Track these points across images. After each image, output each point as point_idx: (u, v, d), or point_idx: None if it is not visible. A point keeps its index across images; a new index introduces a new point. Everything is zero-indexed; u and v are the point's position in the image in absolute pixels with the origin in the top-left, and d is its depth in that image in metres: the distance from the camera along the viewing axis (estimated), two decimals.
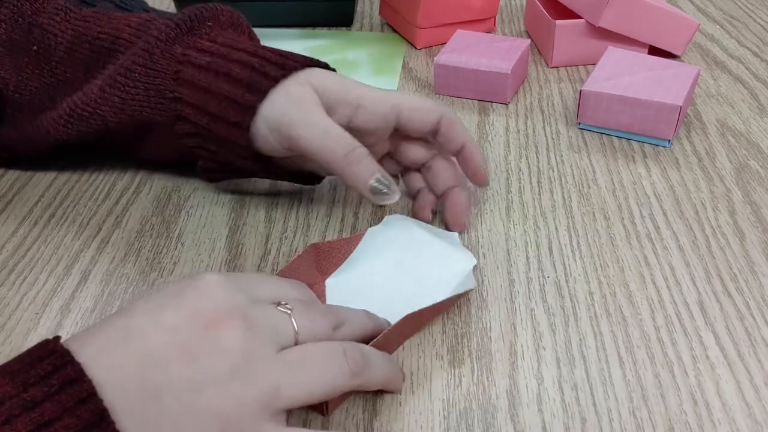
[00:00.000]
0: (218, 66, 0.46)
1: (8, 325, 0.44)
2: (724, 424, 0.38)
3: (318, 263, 0.46)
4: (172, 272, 0.48)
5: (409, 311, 0.40)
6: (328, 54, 0.75)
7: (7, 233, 0.52)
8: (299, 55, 0.48)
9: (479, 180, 0.49)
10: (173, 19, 0.48)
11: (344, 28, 0.82)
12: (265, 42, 0.75)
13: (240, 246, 0.50)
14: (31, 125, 0.52)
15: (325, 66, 0.49)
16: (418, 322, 0.42)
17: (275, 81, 0.44)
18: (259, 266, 0.48)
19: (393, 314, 0.41)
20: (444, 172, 0.50)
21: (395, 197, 0.45)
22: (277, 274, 0.43)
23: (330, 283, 0.45)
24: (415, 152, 0.50)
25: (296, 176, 0.52)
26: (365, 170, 0.44)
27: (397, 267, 0.45)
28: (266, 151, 0.47)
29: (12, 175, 0.58)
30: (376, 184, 0.44)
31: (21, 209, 0.54)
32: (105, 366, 0.30)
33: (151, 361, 0.31)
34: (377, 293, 0.44)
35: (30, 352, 0.30)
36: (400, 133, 0.49)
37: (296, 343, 0.34)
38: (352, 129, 0.46)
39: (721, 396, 0.40)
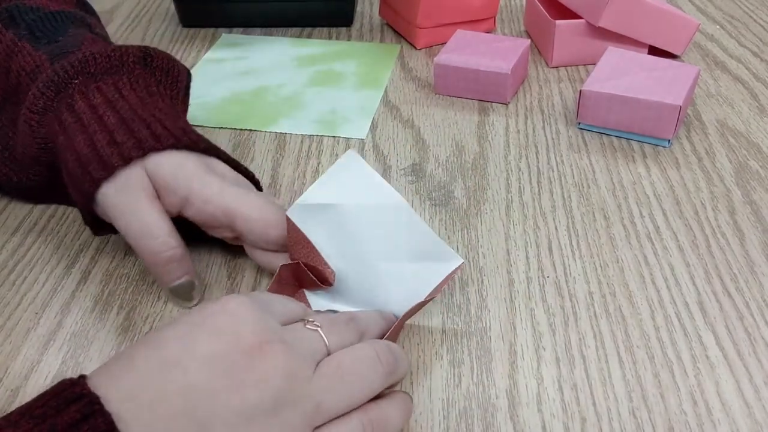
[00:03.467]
0: (65, 150, 0.45)
1: (8, 325, 0.44)
2: (723, 424, 0.38)
3: (298, 278, 0.44)
4: None
5: (394, 306, 0.41)
6: (315, 64, 0.74)
7: (7, 233, 0.52)
8: (139, 137, 0.44)
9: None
10: (41, 85, 0.46)
11: (342, 34, 0.82)
12: (256, 50, 0.77)
13: (238, 247, 0.50)
14: None
15: (180, 145, 0.44)
16: (418, 309, 0.42)
17: (97, 185, 0.43)
18: (258, 266, 0.48)
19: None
20: None
21: (193, 302, 0.45)
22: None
23: (308, 292, 0.45)
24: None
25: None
26: (169, 274, 0.43)
27: (373, 265, 0.43)
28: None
29: None
30: (177, 287, 0.44)
31: (21, 209, 0.54)
32: (144, 404, 0.29)
33: (197, 393, 0.30)
34: (360, 293, 0.43)
35: (56, 393, 0.29)
36: None
37: None
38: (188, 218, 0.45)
39: (721, 396, 0.40)
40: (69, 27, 0.52)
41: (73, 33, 0.51)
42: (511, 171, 0.58)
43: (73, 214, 0.53)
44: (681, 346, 0.43)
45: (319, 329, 0.35)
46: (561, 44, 0.71)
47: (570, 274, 0.48)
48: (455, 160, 0.59)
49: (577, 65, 0.74)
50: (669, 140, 0.60)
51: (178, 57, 0.76)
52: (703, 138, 0.62)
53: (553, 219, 0.52)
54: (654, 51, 0.72)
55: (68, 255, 0.50)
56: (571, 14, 0.72)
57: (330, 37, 0.80)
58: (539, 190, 0.55)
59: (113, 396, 0.29)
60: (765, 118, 0.64)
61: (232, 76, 0.72)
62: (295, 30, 0.82)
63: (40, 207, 0.54)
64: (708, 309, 0.45)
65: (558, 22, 0.70)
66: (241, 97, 0.68)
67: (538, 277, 0.47)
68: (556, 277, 0.47)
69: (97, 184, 0.43)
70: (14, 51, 0.50)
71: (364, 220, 0.42)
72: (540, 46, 0.76)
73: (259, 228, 0.44)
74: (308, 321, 0.35)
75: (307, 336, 0.34)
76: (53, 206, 0.54)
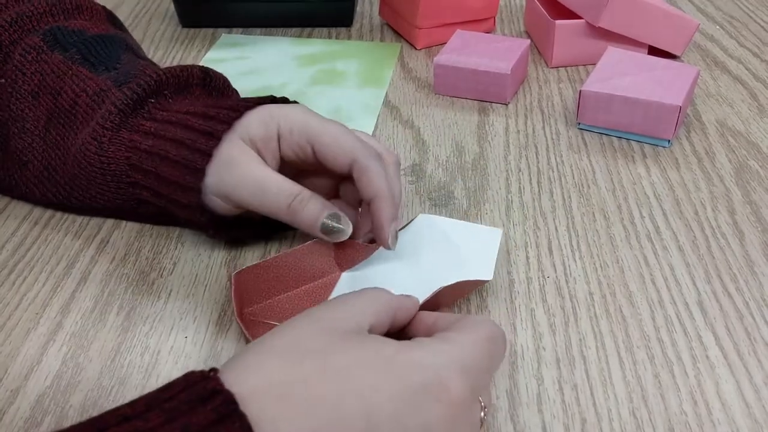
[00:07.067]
0: (159, 148, 0.45)
1: (8, 325, 0.44)
2: (723, 424, 0.38)
3: (336, 254, 0.46)
4: (172, 272, 0.48)
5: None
6: (317, 63, 0.74)
7: (7, 233, 0.52)
8: (229, 106, 0.46)
9: (379, 239, 0.44)
10: (118, 102, 0.47)
11: (342, 34, 0.82)
12: (257, 49, 0.77)
13: (239, 246, 0.50)
14: None
15: (261, 102, 0.47)
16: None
17: (208, 155, 0.44)
18: None
19: None
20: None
21: (348, 231, 0.44)
22: (290, 251, 0.44)
23: (346, 276, 0.46)
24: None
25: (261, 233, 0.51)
26: (310, 214, 0.43)
27: (415, 268, 0.45)
28: (226, 213, 0.46)
29: None
30: (325, 224, 0.43)
31: (21, 209, 0.54)
32: None
33: None
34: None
35: (187, 386, 0.27)
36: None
37: None
38: (286, 162, 0.46)
39: (721, 396, 0.40)
40: (120, 53, 0.53)
41: (126, 59, 0.52)
42: (511, 171, 0.58)
43: (73, 214, 0.53)
44: (681, 346, 0.43)
45: (482, 419, 0.34)
46: (561, 44, 0.71)
47: (570, 274, 0.48)
48: (455, 160, 0.59)
49: (576, 65, 0.74)
50: (669, 140, 0.60)
51: (178, 57, 0.76)
52: (702, 138, 0.62)
53: (553, 219, 0.52)
54: (654, 51, 0.72)
55: (68, 255, 0.50)
56: (570, 14, 0.72)
57: (330, 37, 0.80)
58: (539, 191, 0.55)
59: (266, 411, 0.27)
60: (765, 118, 0.64)
61: (234, 77, 0.71)
62: (295, 30, 0.82)
63: (40, 207, 0.54)
64: (708, 309, 0.45)
65: (558, 22, 0.70)
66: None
67: (538, 278, 0.47)
68: (556, 277, 0.47)
69: (209, 155, 0.44)
70: (66, 73, 0.50)
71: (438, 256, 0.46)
72: (540, 46, 0.76)
73: (333, 153, 0.44)
74: (485, 407, 0.34)
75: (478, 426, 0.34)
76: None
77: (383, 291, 0.37)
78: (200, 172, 0.44)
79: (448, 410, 0.30)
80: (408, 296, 0.38)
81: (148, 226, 0.52)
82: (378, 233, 0.44)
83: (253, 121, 0.45)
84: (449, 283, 0.42)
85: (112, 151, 0.47)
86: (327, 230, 0.44)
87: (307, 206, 0.43)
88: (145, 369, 0.41)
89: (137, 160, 0.46)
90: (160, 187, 0.46)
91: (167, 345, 0.43)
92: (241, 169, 0.43)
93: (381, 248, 0.46)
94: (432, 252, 0.46)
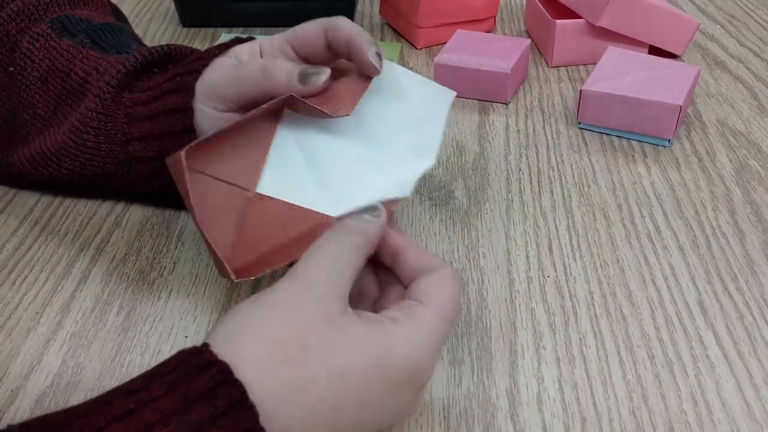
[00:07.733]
0: (155, 93, 0.47)
1: (8, 325, 0.44)
2: (724, 423, 0.38)
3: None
4: (172, 272, 0.48)
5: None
6: None
7: (7, 233, 0.52)
8: (221, 45, 0.49)
9: (363, 65, 0.43)
10: (126, 64, 0.48)
11: None
12: None
13: None
14: None
15: (241, 40, 0.49)
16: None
17: (198, 73, 0.46)
18: None
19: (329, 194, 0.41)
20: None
21: (325, 73, 0.42)
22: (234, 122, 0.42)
23: (285, 133, 0.44)
24: None
25: None
26: (283, 66, 0.42)
27: (361, 134, 0.43)
28: (216, 120, 0.45)
29: None
30: (303, 69, 0.42)
31: (21, 209, 0.54)
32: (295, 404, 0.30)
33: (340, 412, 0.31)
34: (326, 159, 0.43)
35: (182, 361, 0.29)
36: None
37: None
38: None
39: (721, 395, 0.40)
40: (129, 41, 0.53)
41: (136, 47, 0.53)
42: (512, 171, 0.58)
43: (73, 213, 0.53)
44: (681, 345, 0.43)
45: None
46: (561, 44, 0.71)
47: (570, 273, 0.48)
48: (455, 160, 0.59)
49: (577, 65, 0.74)
50: (669, 140, 0.60)
51: None
52: (703, 138, 0.62)
53: (554, 219, 0.52)
54: (654, 51, 0.72)
55: (68, 255, 0.50)
56: (571, 14, 0.72)
57: None
58: (539, 190, 0.55)
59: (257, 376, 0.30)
60: (765, 117, 0.64)
61: None
62: None
63: (41, 206, 0.54)
64: (708, 309, 0.45)
65: (558, 21, 0.70)
66: None
67: (539, 277, 0.47)
68: (557, 276, 0.47)
69: (197, 72, 0.45)
70: (76, 56, 0.50)
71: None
72: (540, 46, 0.76)
73: (306, 33, 0.45)
74: None
75: None
76: (54, 206, 0.54)
77: (351, 234, 0.36)
78: (197, 73, 0.45)
79: (420, 390, 0.34)
80: (373, 220, 0.38)
81: (147, 225, 0.52)
82: (359, 60, 0.42)
83: (241, 48, 0.47)
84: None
85: (112, 109, 0.48)
86: (305, 76, 0.42)
87: (278, 62, 0.43)
88: (145, 368, 0.41)
89: (135, 114, 0.47)
90: (153, 128, 0.47)
91: (167, 344, 0.43)
92: (234, 63, 0.46)
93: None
94: (380, 110, 0.44)
